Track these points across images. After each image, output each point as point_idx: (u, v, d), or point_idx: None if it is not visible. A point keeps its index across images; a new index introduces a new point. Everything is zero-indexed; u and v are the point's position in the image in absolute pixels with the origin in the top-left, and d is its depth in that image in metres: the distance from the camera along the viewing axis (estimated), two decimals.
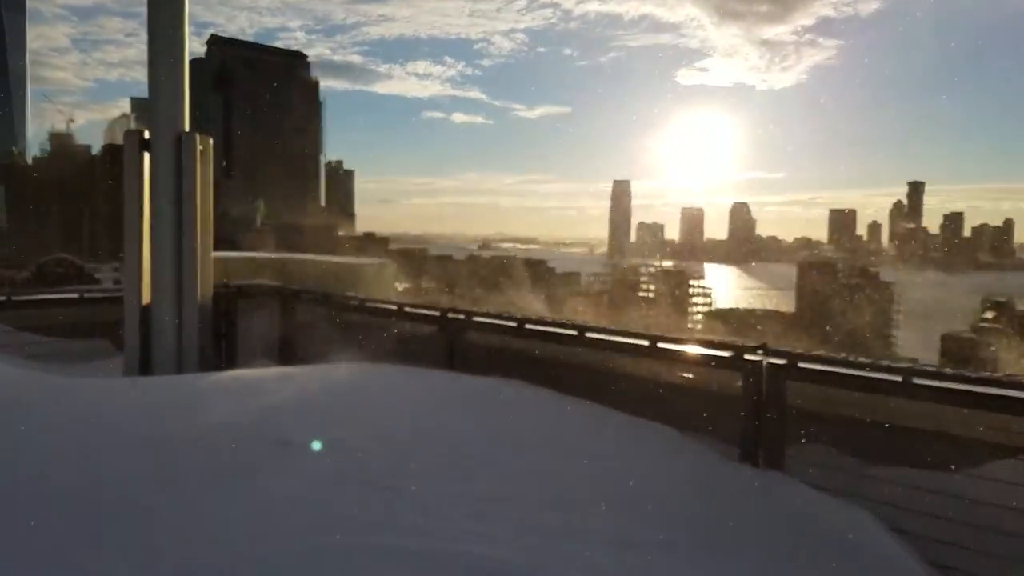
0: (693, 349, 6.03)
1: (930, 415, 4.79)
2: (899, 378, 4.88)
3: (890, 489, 4.87)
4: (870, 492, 4.97)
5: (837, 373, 5.19)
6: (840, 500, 5.04)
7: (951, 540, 4.59)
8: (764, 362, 5.48)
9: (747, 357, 5.58)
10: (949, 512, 4.59)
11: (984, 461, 4.56)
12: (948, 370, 4.83)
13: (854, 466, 5.09)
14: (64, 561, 3.43)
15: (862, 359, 5.25)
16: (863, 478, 5.02)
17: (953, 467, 4.67)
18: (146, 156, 7.67)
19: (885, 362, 5.19)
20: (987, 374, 4.72)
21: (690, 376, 6.09)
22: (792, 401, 5.38)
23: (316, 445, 4.79)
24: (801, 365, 5.35)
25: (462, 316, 7.71)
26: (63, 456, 4.46)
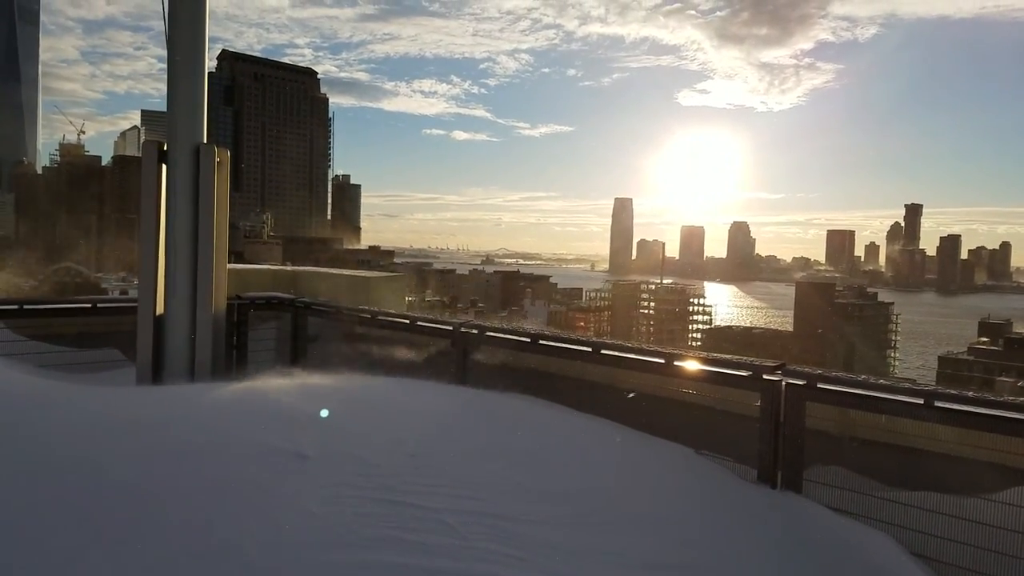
0: (710, 367, 5.98)
1: (952, 438, 4.74)
2: (920, 400, 4.84)
3: (911, 512, 4.82)
4: (890, 515, 4.92)
5: (857, 394, 5.15)
6: (860, 523, 4.99)
7: (972, 566, 4.53)
8: (783, 382, 5.44)
9: (766, 377, 5.54)
10: (971, 537, 4.54)
11: (1007, 486, 4.50)
12: (971, 393, 4.78)
13: (874, 488, 5.04)
14: (75, 573, 3.39)
15: (883, 380, 5.21)
16: (883, 501, 4.97)
17: (976, 492, 4.61)
18: (163, 167, 7.69)
19: (907, 384, 5.16)
20: (1010, 398, 4.68)
21: (706, 395, 6.04)
22: (811, 422, 5.33)
23: (330, 457, 4.74)
24: (821, 386, 5.30)
25: (475, 331, 7.68)
26: (75, 464, 4.43)
